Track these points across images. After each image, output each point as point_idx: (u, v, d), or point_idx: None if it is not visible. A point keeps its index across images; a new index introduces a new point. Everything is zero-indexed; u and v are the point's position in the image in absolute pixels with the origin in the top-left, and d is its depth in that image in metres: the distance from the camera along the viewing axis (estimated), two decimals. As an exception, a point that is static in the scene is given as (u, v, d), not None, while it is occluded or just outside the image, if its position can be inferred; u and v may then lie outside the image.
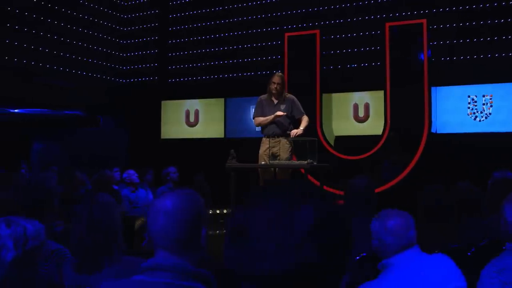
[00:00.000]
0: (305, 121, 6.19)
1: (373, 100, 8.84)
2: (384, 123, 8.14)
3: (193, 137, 10.34)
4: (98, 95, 10.44)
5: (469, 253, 3.29)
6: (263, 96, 6.46)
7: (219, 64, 10.23)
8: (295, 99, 6.33)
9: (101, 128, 11.10)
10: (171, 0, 10.71)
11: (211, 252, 5.25)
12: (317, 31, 8.68)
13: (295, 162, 5.93)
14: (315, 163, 5.79)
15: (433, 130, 8.09)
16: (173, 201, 1.58)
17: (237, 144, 8.13)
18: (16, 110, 10.21)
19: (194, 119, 10.43)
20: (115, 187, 7.65)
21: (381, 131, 8.15)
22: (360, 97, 9.04)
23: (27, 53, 8.92)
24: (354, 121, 9.11)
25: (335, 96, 9.16)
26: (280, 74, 6.46)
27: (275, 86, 6.20)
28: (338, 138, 9.08)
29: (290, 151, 6.19)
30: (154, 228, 1.56)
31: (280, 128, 6.17)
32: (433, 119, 8.05)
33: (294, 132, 6.00)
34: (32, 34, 8.94)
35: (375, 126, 8.60)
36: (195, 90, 10.37)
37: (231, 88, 9.99)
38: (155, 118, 10.57)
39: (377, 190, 7.93)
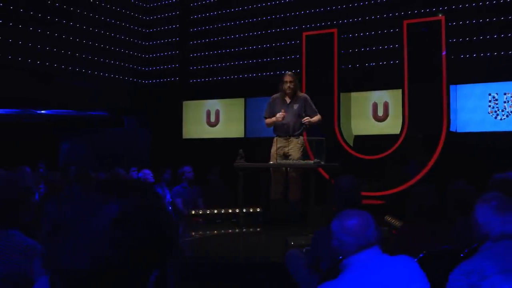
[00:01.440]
0: (317, 116, 6.20)
1: (392, 99, 8.73)
2: (402, 122, 8.03)
3: (213, 137, 10.41)
4: (121, 96, 10.63)
5: (462, 255, 3.23)
6: (276, 95, 6.46)
7: (239, 64, 10.28)
8: (308, 98, 6.33)
9: (125, 128, 11.31)
10: (192, 1, 10.82)
11: (210, 251, 5.30)
12: (335, 30, 8.62)
13: (302, 161, 5.91)
14: (322, 163, 5.76)
15: (453, 129, 7.94)
16: None
17: (256, 144, 8.17)
18: (42, 111, 10.48)
19: (215, 119, 10.51)
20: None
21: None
22: (379, 96, 8.94)
23: (50, 56, 9.15)
24: (373, 120, 9.01)
25: (354, 95, 9.09)
26: (291, 73, 6.41)
27: (288, 85, 6.19)
28: (357, 138, 9.00)
29: (302, 150, 6.18)
30: None
31: (292, 128, 6.15)
32: (453, 117, 7.90)
33: (306, 119, 6.03)
34: (55, 37, 9.16)
35: (394, 125, 8.48)
36: (215, 90, 10.44)
37: (251, 88, 10.02)
38: (177, 118, 10.68)
39: (396, 190, 7.94)
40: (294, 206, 6.15)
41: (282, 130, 6.24)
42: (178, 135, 10.73)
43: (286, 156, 6.17)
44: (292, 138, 6.21)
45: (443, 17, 7.69)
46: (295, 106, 6.25)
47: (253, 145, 8.47)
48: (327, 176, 8.40)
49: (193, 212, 6.96)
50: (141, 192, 0.85)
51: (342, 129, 8.61)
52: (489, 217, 2.39)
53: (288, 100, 6.30)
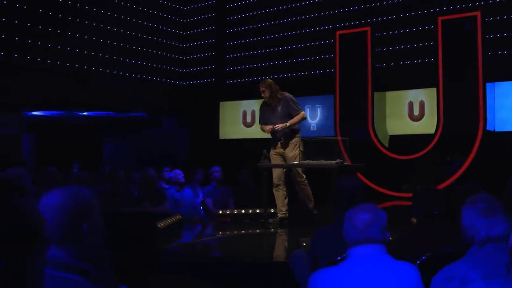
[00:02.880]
0: (297, 117, 6.18)
1: (428, 98, 8.52)
2: (437, 121, 7.86)
3: (249, 137, 10.45)
4: (159, 97, 10.83)
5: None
6: (263, 101, 6.52)
7: (274, 64, 10.29)
8: (289, 97, 6.32)
9: (164, 129, 11.53)
10: (228, 2, 10.91)
11: (232, 251, 5.33)
12: (368, 28, 8.52)
13: (324, 162, 5.85)
14: (345, 163, 5.69)
15: (490, 128, 7.69)
16: (53, 197, 1.66)
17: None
18: (84, 113, 10.84)
19: (251, 120, 10.56)
20: (166, 186, 7.92)
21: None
22: (415, 95, 8.75)
23: (90, 59, 9.42)
24: (409, 119, 8.83)
25: (389, 94, 8.94)
26: (264, 81, 6.43)
27: (262, 94, 6.32)
28: (393, 137, 8.86)
29: (297, 148, 6.17)
30: None
31: (282, 131, 6.18)
32: (491, 116, 7.65)
33: (276, 126, 6.06)
34: (93, 40, 9.44)
35: (431, 124, 8.28)
36: (251, 90, 10.46)
37: (286, 88, 9.98)
38: (214, 118, 10.80)
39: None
40: (305, 207, 6.20)
41: (274, 135, 6.32)
42: (215, 135, 10.85)
43: (283, 157, 6.23)
44: (284, 140, 6.22)
45: (479, 12, 7.46)
46: (279, 109, 6.28)
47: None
48: (361, 177, 8.32)
49: (220, 212, 7.03)
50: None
51: (376, 128, 8.49)
52: (474, 220, 2.32)
53: (272, 104, 6.34)
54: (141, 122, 11.83)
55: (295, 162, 6.04)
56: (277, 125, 6.09)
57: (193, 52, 11.35)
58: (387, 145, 8.60)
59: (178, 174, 7.71)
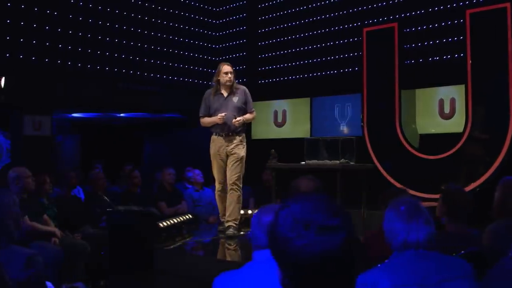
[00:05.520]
0: (252, 114, 5.84)
1: (459, 95, 8.17)
2: (466, 119, 7.52)
3: (281, 137, 10.39)
4: (194, 98, 10.92)
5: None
6: (209, 91, 6.00)
7: (304, 63, 10.17)
8: (248, 92, 5.89)
9: (198, 129, 11.62)
10: (259, 3, 10.88)
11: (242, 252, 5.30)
12: (395, 24, 8.27)
13: (328, 162, 5.71)
14: (351, 163, 5.55)
15: (523, 126, 7.27)
16: None
17: (321, 143, 8.03)
18: (121, 114, 11.11)
19: (282, 119, 10.49)
20: (189, 185, 8.01)
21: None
22: (446, 92, 8.41)
23: (126, 63, 9.63)
24: (439, 118, 8.50)
25: (419, 92, 8.65)
26: (229, 63, 5.93)
27: (229, 76, 5.71)
28: (423, 137, 8.56)
29: (245, 148, 5.81)
30: None
31: (233, 124, 5.74)
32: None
33: (236, 120, 5.63)
34: (123, 44, 9.65)
35: (462, 122, 7.94)
36: (282, 90, 10.41)
37: (316, 87, 9.89)
38: (246, 119, 10.78)
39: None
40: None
41: (223, 128, 5.77)
42: (247, 135, 10.80)
43: (228, 156, 5.75)
44: (235, 136, 5.78)
45: (509, 4, 7.07)
46: (235, 99, 5.76)
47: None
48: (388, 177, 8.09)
49: (234, 212, 7.01)
50: None
51: (404, 127, 8.22)
52: (394, 224, 2.20)
53: (225, 93, 5.81)
54: (177, 123, 11.99)
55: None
56: (238, 118, 5.62)
57: (225, 53, 11.39)
58: (416, 145, 8.31)
59: (197, 174, 7.79)
